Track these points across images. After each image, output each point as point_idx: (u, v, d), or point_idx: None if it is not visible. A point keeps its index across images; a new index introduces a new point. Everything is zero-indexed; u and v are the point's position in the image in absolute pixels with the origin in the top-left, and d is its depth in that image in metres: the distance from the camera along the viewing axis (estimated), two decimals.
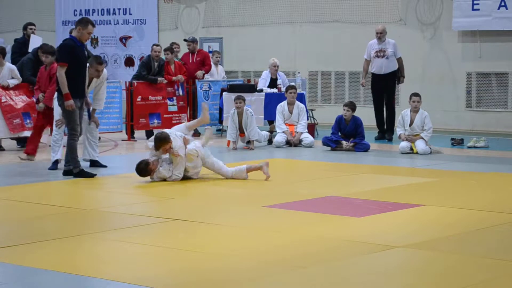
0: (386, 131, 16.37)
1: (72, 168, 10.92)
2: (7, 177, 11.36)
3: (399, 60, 16.45)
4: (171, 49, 17.24)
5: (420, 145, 13.80)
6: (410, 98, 14.26)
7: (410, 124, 14.03)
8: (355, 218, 8.19)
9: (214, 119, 17.78)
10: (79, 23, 10.97)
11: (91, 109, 11.73)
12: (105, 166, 11.88)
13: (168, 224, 7.88)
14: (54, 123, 11.79)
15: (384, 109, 16.50)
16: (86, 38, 11.03)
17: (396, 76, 16.46)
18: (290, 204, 8.96)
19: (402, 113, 14.29)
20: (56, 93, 11.24)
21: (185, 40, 18.22)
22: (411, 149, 13.90)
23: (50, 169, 11.60)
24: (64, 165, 11.14)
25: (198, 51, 18.05)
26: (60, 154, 11.66)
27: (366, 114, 16.67)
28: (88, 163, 11.77)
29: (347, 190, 9.94)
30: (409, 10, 19.32)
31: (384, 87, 16.41)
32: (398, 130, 14.17)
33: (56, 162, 11.67)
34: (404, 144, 13.93)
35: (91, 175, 10.90)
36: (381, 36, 16.33)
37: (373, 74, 16.48)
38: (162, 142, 10.50)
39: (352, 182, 10.75)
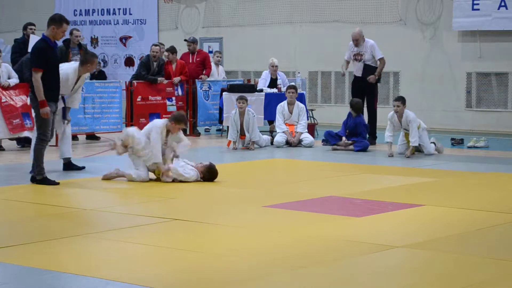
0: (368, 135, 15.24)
1: (36, 175, 10.36)
2: (7, 177, 11.35)
3: (381, 61, 15.55)
4: (172, 49, 17.24)
5: (426, 149, 13.60)
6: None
7: (398, 128, 13.76)
8: (355, 218, 8.19)
9: (214, 119, 17.80)
10: (53, 22, 10.28)
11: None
12: (83, 168, 11.60)
13: (168, 224, 7.88)
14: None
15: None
16: (61, 37, 10.50)
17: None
18: (290, 204, 8.96)
19: (389, 117, 13.68)
20: (30, 93, 10.59)
21: (185, 40, 18.21)
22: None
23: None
24: (30, 172, 10.57)
25: (198, 52, 18.05)
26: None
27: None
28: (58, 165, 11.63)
29: (347, 190, 9.93)
30: (409, 10, 19.33)
31: (364, 90, 15.68)
32: (387, 137, 13.66)
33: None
34: (403, 148, 13.75)
35: (54, 183, 10.30)
36: (357, 43, 15.55)
37: (354, 75, 15.92)
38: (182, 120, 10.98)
39: (352, 182, 10.75)
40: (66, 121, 11.55)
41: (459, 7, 18.37)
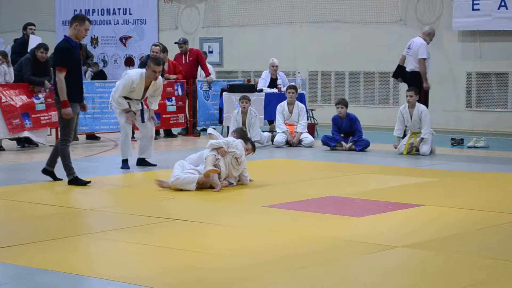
0: None
1: (67, 175, 10.33)
2: (7, 177, 11.35)
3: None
4: (163, 48, 17.20)
5: (423, 148, 13.59)
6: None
7: (408, 122, 13.78)
8: (355, 218, 8.19)
9: (214, 119, 17.80)
10: (75, 19, 10.19)
11: (146, 110, 11.88)
12: (155, 165, 11.90)
13: (168, 224, 7.88)
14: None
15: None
16: (83, 35, 10.33)
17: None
18: (290, 204, 8.96)
19: (401, 109, 13.90)
20: (55, 96, 10.41)
21: (176, 43, 18.14)
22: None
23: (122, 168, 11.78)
24: (46, 164, 10.61)
25: (190, 51, 18.04)
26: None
27: (367, 114, 16.64)
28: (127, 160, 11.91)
29: (347, 190, 9.93)
30: (409, 10, 19.32)
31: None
32: (396, 131, 13.82)
33: (126, 161, 11.82)
34: (402, 149, 13.72)
35: (85, 183, 10.27)
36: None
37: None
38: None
39: (352, 182, 10.75)
40: (152, 123, 11.93)
41: (459, 7, 18.37)
